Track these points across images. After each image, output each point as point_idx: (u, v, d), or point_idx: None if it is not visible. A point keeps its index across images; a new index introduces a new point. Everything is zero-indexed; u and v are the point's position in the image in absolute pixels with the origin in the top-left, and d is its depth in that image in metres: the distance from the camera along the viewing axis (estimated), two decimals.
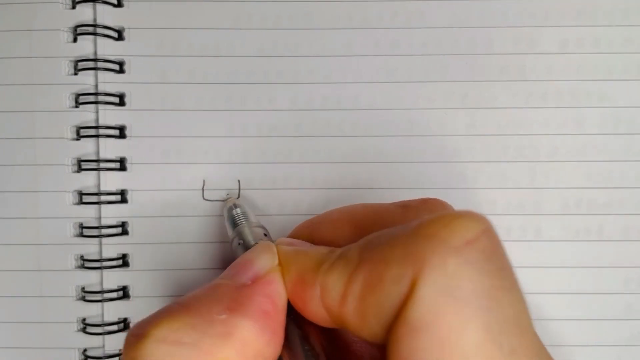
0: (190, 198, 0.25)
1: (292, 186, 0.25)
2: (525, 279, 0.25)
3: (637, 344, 0.25)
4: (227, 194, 0.25)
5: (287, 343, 0.16)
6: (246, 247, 0.20)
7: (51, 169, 0.25)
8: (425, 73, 0.25)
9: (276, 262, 0.16)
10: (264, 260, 0.16)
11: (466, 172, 0.25)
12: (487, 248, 0.13)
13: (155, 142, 0.25)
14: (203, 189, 0.25)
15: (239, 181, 0.25)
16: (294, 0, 0.25)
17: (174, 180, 0.25)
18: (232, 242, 0.22)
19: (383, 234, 0.15)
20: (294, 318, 0.16)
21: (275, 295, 0.16)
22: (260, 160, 0.25)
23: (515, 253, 0.25)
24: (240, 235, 0.21)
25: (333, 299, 0.14)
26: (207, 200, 0.25)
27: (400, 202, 0.19)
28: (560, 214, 0.25)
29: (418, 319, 0.12)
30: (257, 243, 0.20)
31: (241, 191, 0.25)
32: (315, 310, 0.15)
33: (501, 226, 0.25)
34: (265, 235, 0.21)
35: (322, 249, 0.16)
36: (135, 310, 0.26)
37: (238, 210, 0.23)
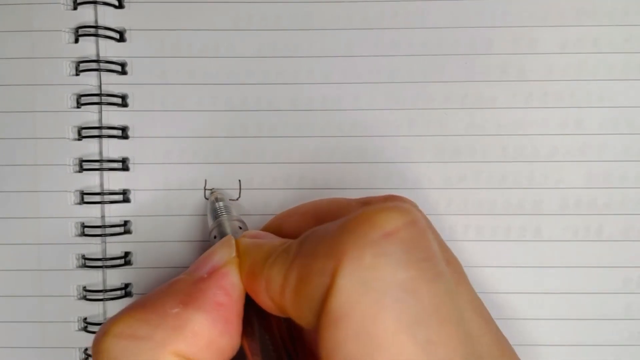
0: (191, 197, 0.26)
1: (292, 186, 0.26)
2: (525, 278, 0.26)
3: (637, 344, 0.25)
4: (212, 188, 0.25)
5: (249, 332, 0.16)
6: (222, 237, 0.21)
7: (52, 169, 0.25)
8: (425, 73, 0.26)
9: (233, 254, 0.17)
10: (221, 254, 0.17)
11: (466, 172, 0.26)
12: (406, 240, 0.14)
13: (157, 142, 0.26)
14: (204, 189, 0.26)
15: (239, 181, 0.26)
16: (294, 1, 0.25)
17: (175, 180, 0.26)
18: (210, 235, 0.22)
19: (318, 229, 0.15)
20: (256, 308, 0.17)
21: (229, 286, 0.16)
22: (260, 160, 0.26)
23: (514, 253, 0.26)
24: (217, 228, 0.22)
25: (274, 290, 0.15)
26: (208, 199, 0.25)
27: (364, 198, 0.19)
28: (559, 214, 0.25)
29: (337, 310, 0.13)
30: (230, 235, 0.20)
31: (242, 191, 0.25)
32: (264, 301, 0.16)
33: (501, 226, 0.25)
34: (240, 228, 0.22)
35: (276, 242, 0.17)
36: None
37: (220, 203, 0.23)
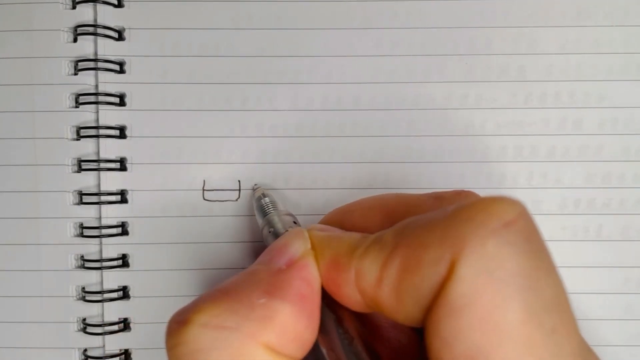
0: (190, 198, 0.25)
1: (291, 186, 0.25)
2: None
3: (637, 344, 0.25)
4: (255, 184, 0.25)
5: (322, 327, 0.16)
6: (276, 234, 0.20)
7: (51, 169, 0.25)
8: (425, 73, 0.26)
9: (309, 246, 0.17)
10: (297, 245, 0.17)
11: (466, 172, 0.26)
12: (525, 230, 0.13)
13: (155, 142, 0.25)
14: (203, 189, 0.25)
15: (239, 181, 0.25)
16: (294, 0, 0.25)
17: (174, 180, 0.25)
18: (263, 231, 0.22)
19: (419, 218, 0.15)
20: (328, 303, 0.16)
21: (311, 278, 0.16)
22: (260, 160, 0.25)
23: None
24: (270, 224, 0.21)
25: (368, 282, 0.15)
26: (207, 200, 0.25)
27: (434, 193, 0.19)
28: (559, 214, 0.26)
29: (458, 299, 0.13)
30: (287, 230, 0.20)
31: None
32: (350, 294, 0.15)
33: None
34: (294, 222, 0.21)
35: (355, 235, 0.16)
36: (135, 310, 0.26)
37: (267, 199, 0.23)
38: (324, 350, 0.16)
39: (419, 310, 0.14)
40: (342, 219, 0.20)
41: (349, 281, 0.15)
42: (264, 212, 0.23)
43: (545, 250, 0.14)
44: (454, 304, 0.13)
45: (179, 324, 0.14)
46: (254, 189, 0.25)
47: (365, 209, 0.20)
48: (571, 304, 0.14)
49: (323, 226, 0.18)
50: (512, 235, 0.13)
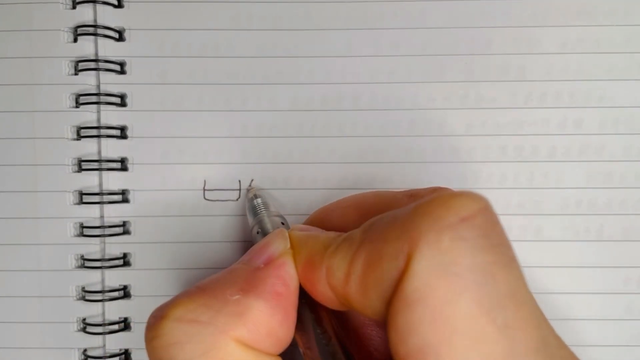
0: (191, 198, 0.25)
1: (291, 186, 0.25)
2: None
3: (637, 344, 0.25)
4: (250, 185, 0.25)
5: (300, 326, 0.16)
6: (264, 234, 0.21)
7: (51, 169, 0.25)
8: (425, 73, 0.25)
9: (288, 246, 0.17)
10: (276, 244, 0.17)
11: (466, 172, 0.25)
12: (482, 225, 0.13)
13: (156, 143, 0.25)
14: (204, 189, 0.25)
15: (239, 181, 0.25)
16: (294, 1, 0.25)
17: (174, 180, 0.25)
18: (252, 230, 0.22)
19: (385, 215, 0.15)
20: (307, 302, 0.17)
21: (286, 277, 0.16)
22: (260, 161, 0.25)
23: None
24: (259, 224, 0.22)
25: (338, 278, 0.15)
26: (207, 200, 0.25)
27: (409, 190, 0.19)
28: (560, 214, 0.25)
29: (413, 292, 0.13)
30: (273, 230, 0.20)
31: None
32: (323, 291, 0.16)
33: None
34: (282, 223, 0.22)
35: (331, 234, 0.17)
36: (136, 310, 0.26)
37: (259, 200, 0.24)
38: (301, 349, 0.17)
39: (382, 303, 0.14)
40: (323, 219, 0.20)
41: (321, 278, 0.16)
42: (254, 213, 0.23)
43: (505, 245, 0.14)
44: (408, 298, 0.13)
45: (156, 318, 0.15)
46: (247, 189, 0.25)
47: (343, 207, 0.20)
48: (532, 298, 0.14)
49: (304, 226, 0.19)
50: (468, 230, 0.13)
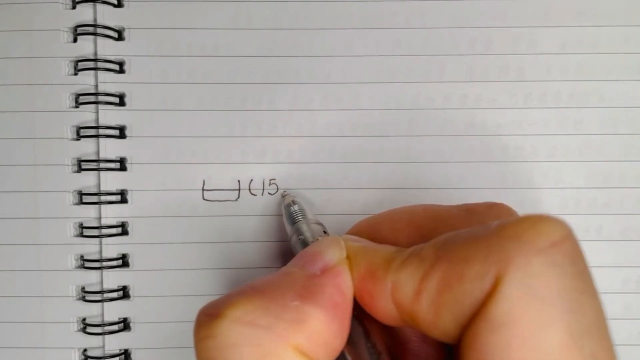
0: (190, 198, 0.25)
1: (292, 187, 0.25)
2: None
3: (636, 344, 0.25)
4: (284, 191, 0.25)
5: (350, 338, 0.16)
6: (305, 243, 0.20)
7: (51, 169, 0.25)
8: (425, 73, 0.25)
9: (344, 255, 0.16)
10: (332, 252, 0.16)
11: (466, 172, 0.26)
12: (570, 251, 0.13)
13: (155, 142, 0.25)
14: (203, 189, 0.25)
15: (239, 181, 0.25)
16: (294, 0, 0.25)
17: (174, 180, 0.25)
18: (291, 239, 0.22)
19: (461, 233, 0.15)
20: (357, 315, 0.16)
21: (344, 287, 0.16)
22: (260, 161, 0.25)
23: None
24: (299, 232, 0.21)
25: (405, 294, 0.15)
26: (207, 200, 0.25)
27: (464, 205, 0.19)
28: (559, 214, 0.25)
29: (500, 316, 0.13)
30: (317, 239, 0.20)
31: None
32: (384, 306, 0.15)
33: None
34: (324, 232, 0.22)
35: (390, 247, 0.16)
36: (135, 310, 0.26)
37: (296, 207, 0.23)
38: None
39: (456, 325, 0.14)
40: (372, 231, 0.19)
41: (384, 293, 0.15)
42: (292, 220, 0.23)
43: (589, 274, 0.14)
44: (495, 321, 0.13)
45: (210, 316, 0.14)
46: (283, 196, 0.25)
47: (392, 221, 0.19)
48: (610, 329, 0.14)
49: (357, 237, 0.18)
50: (558, 255, 0.13)
